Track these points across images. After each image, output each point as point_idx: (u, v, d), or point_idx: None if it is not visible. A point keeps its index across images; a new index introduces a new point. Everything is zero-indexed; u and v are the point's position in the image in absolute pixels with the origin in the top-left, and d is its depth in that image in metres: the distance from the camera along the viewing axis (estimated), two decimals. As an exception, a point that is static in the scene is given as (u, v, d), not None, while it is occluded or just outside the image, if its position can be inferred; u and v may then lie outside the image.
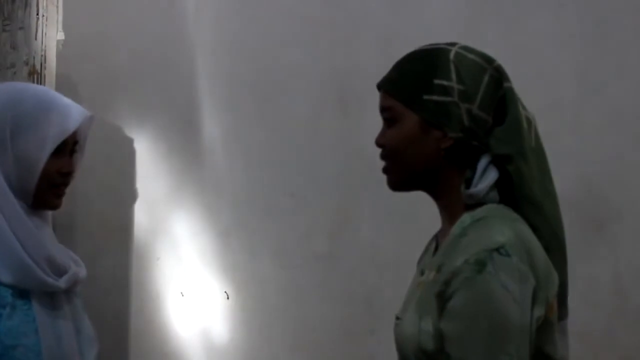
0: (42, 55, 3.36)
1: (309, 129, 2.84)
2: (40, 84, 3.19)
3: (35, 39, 3.35)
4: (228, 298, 3.01)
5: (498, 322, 1.52)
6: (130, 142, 3.15)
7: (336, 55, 2.78)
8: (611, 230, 2.25)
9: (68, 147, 2.08)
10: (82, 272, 2.15)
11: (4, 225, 1.99)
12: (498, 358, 1.51)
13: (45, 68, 3.34)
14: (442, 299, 1.58)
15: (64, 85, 3.32)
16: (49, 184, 2.03)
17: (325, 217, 2.81)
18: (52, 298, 2.07)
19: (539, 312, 1.58)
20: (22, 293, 2.01)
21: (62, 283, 2.04)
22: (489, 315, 1.52)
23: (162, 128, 3.20)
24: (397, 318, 1.74)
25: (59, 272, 2.05)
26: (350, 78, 2.73)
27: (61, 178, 2.06)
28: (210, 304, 3.05)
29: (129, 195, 3.22)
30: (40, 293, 2.03)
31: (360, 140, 2.68)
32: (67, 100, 2.11)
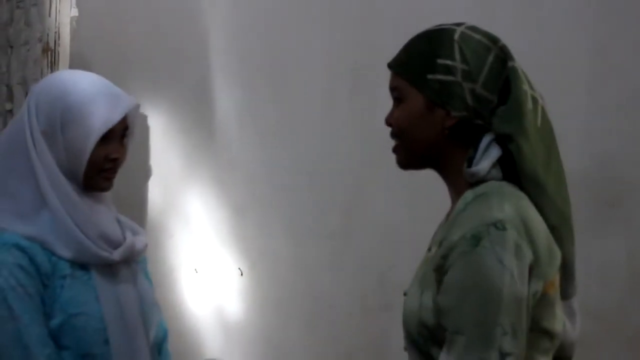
0: (55, 32, 3.36)
1: (322, 106, 2.84)
2: (54, 61, 3.23)
3: (49, 15, 3.35)
4: (242, 274, 3.01)
5: (492, 295, 1.53)
6: (143, 119, 3.14)
7: (349, 33, 2.78)
8: (626, 207, 2.23)
9: (117, 134, 2.21)
10: (140, 242, 2.31)
11: (59, 207, 2.15)
12: (491, 330, 1.52)
13: (59, 45, 3.34)
14: (440, 273, 1.60)
15: (78, 62, 3.33)
16: (97, 169, 2.18)
17: (339, 193, 2.82)
18: (112, 268, 2.22)
19: (535, 287, 1.58)
20: (82, 266, 2.16)
21: (115, 255, 2.19)
22: (482, 288, 1.53)
23: (176, 105, 3.20)
24: (405, 294, 1.77)
25: (114, 245, 2.20)
26: (364, 55, 2.72)
27: (109, 163, 2.20)
28: (224, 280, 3.06)
29: (143, 172, 3.22)
30: (99, 265, 2.18)
31: (373, 118, 2.66)
32: (115, 90, 2.24)
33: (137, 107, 2.32)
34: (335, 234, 2.81)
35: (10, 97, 3.41)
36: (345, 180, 2.79)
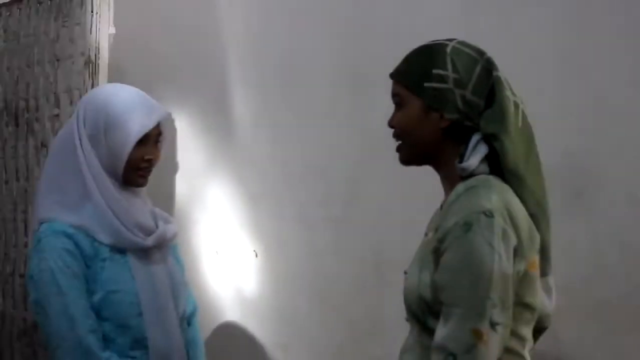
0: (96, 47, 3.36)
1: (326, 109, 2.83)
2: (95, 72, 3.25)
3: (90, 33, 3.35)
4: (257, 256, 3.00)
5: (483, 273, 1.55)
6: (171, 121, 3.14)
7: (350, 45, 2.77)
8: (590, 198, 2.22)
9: (152, 138, 2.27)
10: (171, 230, 2.38)
11: (101, 200, 2.21)
12: (483, 303, 1.54)
13: (99, 58, 3.35)
14: (437, 254, 1.63)
15: (115, 72, 3.32)
16: (134, 168, 2.26)
17: (341, 185, 2.80)
18: (146, 252, 2.28)
19: (519, 266, 1.61)
20: (119, 250, 2.23)
21: (149, 241, 2.26)
22: (475, 267, 1.55)
23: (199, 108, 3.20)
24: (405, 273, 1.79)
25: (147, 232, 2.27)
26: (363, 65, 2.72)
27: (145, 163, 2.28)
28: (241, 261, 3.05)
29: (171, 167, 3.22)
30: (134, 250, 2.25)
31: (371, 119, 2.66)
32: (150, 101, 2.29)
33: (169, 115, 2.35)
34: (338, 220, 2.80)
35: (57, 104, 3.41)
36: (347, 173, 2.78)
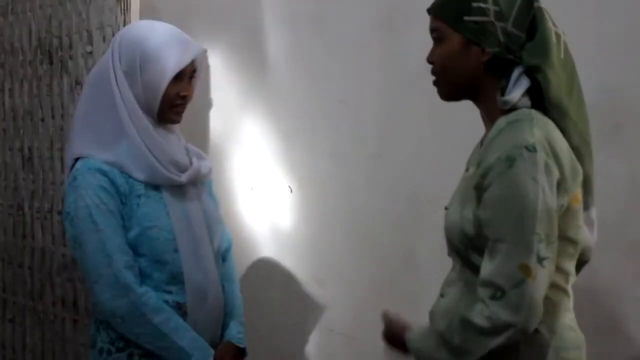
0: (128, -17, 3.31)
1: (360, 44, 2.79)
2: (126, 9, 3.24)
3: (122, -32, 3.30)
4: (291, 191, 3.01)
5: (527, 208, 1.54)
6: (205, 57, 3.11)
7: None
8: (629, 133, 2.19)
9: (187, 75, 2.27)
10: (205, 166, 2.39)
11: (136, 137, 2.21)
12: (529, 237, 1.54)
13: (130, -6, 3.30)
14: (479, 190, 1.63)
15: (147, 8, 3.30)
16: (170, 104, 2.25)
17: (374, 121, 2.78)
18: (180, 189, 2.29)
19: (562, 200, 1.60)
20: (154, 187, 2.24)
21: (183, 178, 2.27)
22: (519, 202, 1.55)
23: (233, 45, 3.17)
24: (446, 208, 1.79)
25: (182, 169, 2.28)
26: (395, 1, 2.65)
27: (180, 99, 2.27)
28: (276, 197, 3.05)
29: (205, 103, 3.22)
30: (169, 186, 2.26)
31: (404, 55, 2.63)
32: (185, 37, 2.28)
33: (204, 52, 2.34)
34: (372, 155, 2.78)
35: (90, 41, 3.40)
36: (381, 109, 2.75)
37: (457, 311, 1.69)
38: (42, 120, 3.65)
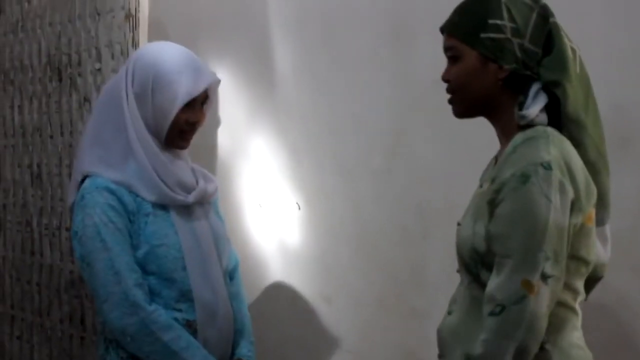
0: (136, 1, 3.33)
1: (368, 59, 2.77)
2: (135, 26, 3.24)
3: (130, -14, 3.31)
4: (299, 208, 2.99)
5: (537, 225, 1.54)
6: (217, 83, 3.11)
7: (392, -4, 2.69)
8: (637, 147, 2.18)
9: (198, 102, 2.27)
10: (211, 186, 2.40)
11: (144, 158, 2.21)
12: (536, 255, 1.54)
13: (139, 12, 3.32)
14: (492, 205, 1.63)
15: (155, 26, 3.30)
16: (178, 130, 2.25)
17: (382, 137, 2.76)
18: (188, 208, 2.30)
19: (576, 219, 1.60)
20: (162, 206, 2.25)
21: (190, 198, 2.28)
22: (529, 219, 1.54)
23: (240, 62, 3.17)
24: (458, 224, 1.79)
25: (188, 190, 2.29)
26: (406, 14, 2.66)
27: (188, 126, 2.27)
28: (284, 213, 3.04)
29: (214, 121, 3.21)
30: (176, 206, 2.27)
31: (412, 70, 2.62)
32: (199, 64, 2.27)
33: (218, 81, 2.33)
34: (379, 171, 2.76)
35: (99, 58, 3.40)
36: (390, 124, 2.73)
37: (464, 328, 1.70)
38: (51, 137, 3.66)
